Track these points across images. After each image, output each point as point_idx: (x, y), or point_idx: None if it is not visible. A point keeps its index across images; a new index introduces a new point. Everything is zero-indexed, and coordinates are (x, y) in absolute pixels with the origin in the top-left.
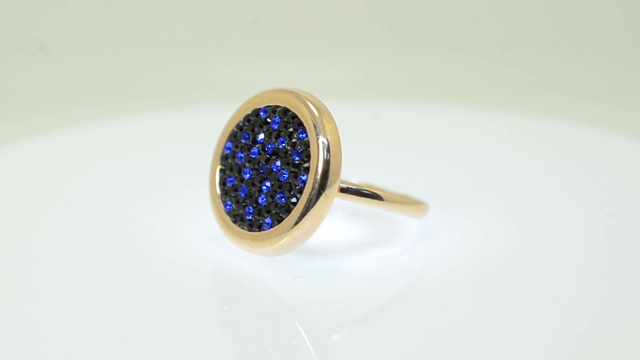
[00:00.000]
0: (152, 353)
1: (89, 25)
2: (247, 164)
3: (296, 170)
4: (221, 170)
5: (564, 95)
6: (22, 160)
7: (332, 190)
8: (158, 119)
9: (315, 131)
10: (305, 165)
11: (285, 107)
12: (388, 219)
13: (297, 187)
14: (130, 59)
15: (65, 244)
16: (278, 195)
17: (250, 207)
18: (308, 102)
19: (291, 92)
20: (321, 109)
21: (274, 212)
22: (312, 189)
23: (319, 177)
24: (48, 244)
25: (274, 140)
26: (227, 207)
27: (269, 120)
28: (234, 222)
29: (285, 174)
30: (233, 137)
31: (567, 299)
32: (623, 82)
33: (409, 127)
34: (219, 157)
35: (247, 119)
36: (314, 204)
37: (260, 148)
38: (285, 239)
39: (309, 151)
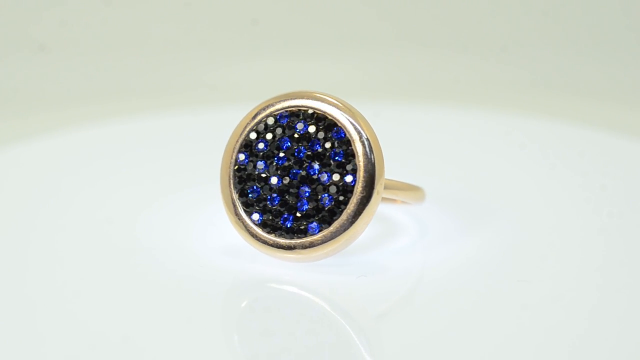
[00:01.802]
0: (153, 355)
1: (89, 25)
2: (273, 172)
3: (340, 170)
4: (239, 182)
5: (564, 95)
6: (22, 160)
7: (381, 186)
8: (158, 119)
9: (355, 130)
10: (350, 164)
11: (312, 110)
12: (384, 217)
13: (344, 188)
14: (130, 59)
15: (64, 244)
16: (322, 198)
17: (288, 215)
18: (336, 102)
19: (311, 94)
20: (349, 107)
21: (319, 215)
22: (365, 186)
23: (369, 174)
24: (47, 243)
25: (305, 144)
26: (256, 218)
27: (291, 124)
28: (269, 232)
29: (327, 176)
30: (247, 147)
31: (567, 299)
32: (623, 82)
33: (409, 127)
34: (229, 168)
35: (260, 126)
36: (368, 201)
37: (287, 154)
38: (342, 240)
39: (351, 150)
